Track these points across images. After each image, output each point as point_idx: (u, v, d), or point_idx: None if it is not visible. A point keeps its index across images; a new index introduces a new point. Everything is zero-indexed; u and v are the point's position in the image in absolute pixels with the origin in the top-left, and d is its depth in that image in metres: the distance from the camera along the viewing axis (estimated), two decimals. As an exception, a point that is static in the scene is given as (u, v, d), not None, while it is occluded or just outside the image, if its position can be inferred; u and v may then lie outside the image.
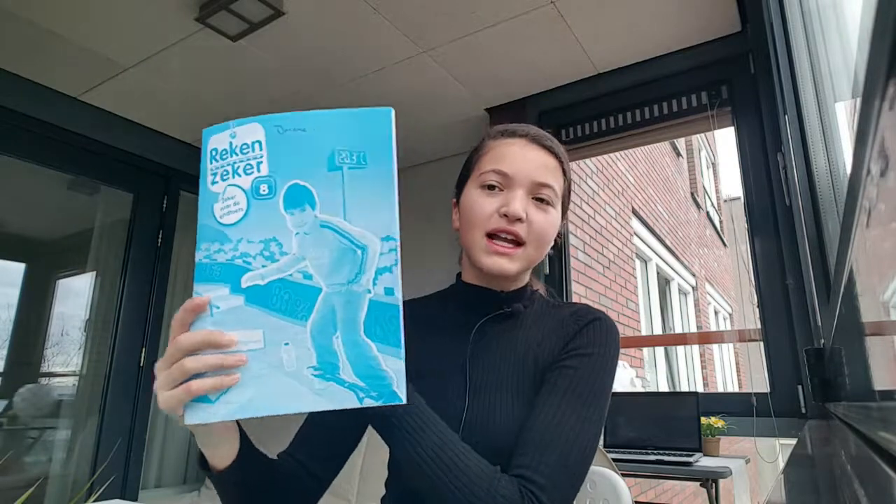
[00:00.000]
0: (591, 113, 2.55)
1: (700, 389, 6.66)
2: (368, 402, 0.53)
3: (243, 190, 0.57)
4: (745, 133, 2.16)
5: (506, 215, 0.79)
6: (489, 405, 0.76)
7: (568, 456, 0.68)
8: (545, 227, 0.82)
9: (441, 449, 0.65)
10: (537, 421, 0.71)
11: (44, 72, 2.46)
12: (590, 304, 3.38)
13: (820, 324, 1.49)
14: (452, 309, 0.89)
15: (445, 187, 3.51)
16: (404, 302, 0.86)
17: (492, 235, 0.80)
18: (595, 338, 0.79)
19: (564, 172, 0.87)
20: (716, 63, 2.26)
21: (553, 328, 0.83)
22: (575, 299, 3.10)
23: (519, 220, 0.79)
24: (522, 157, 0.83)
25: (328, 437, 0.82)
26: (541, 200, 0.82)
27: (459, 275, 0.92)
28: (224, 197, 0.56)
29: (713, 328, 7.98)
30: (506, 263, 0.80)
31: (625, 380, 2.20)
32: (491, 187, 0.82)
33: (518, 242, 0.80)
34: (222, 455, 0.65)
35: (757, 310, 2.03)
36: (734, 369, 8.73)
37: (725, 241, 9.41)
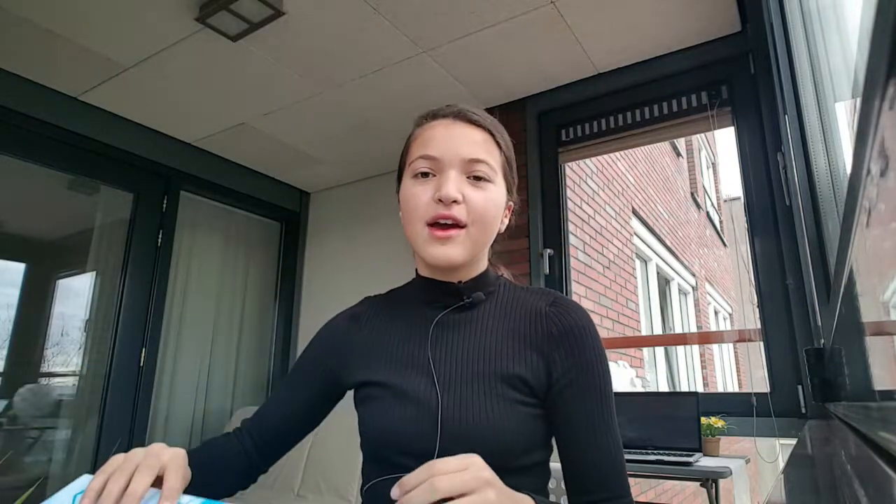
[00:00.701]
0: (591, 113, 2.55)
1: (700, 389, 6.66)
2: None
3: None
4: (745, 133, 2.16)
5: (440, 200, 0.74)
6: (459, 400, 0.73)
7: (624, 475, 0.74)
8: (485, 205, 0.77)
9: None
10: (587, 455, 0.73)
11: (44, 72, 2.47)
12: (590, 303, 3.36)
13: (820, 324, 1.49)
14: (411, 305, 0.86)
15: (445, 187, 3.46)
16: (365, 301, 0.90)
17: (433, 224, 0.76)
18: (588, 349, 0.76)
19: (499, 144, 0.82)
20: (716, 63, 2.26)
21: (524, 316, 0.79)
22: (575, 299, 3.10)
23: (455, 202, 0.75)
24: (448, 136, 0.79)
25: (286, 423, 0.86)
26: (477, 178, 0.78)
27: (416, 271, 0.88)
28: None
29: (713, 328, 7.98)
30: (450, 251, 0.75)
31: (625, 380, 2.20)
32: (424, 175, 0.78)
33: (458, 225, 0.76)
34: None
35: (757, 310, 2.03)
36: (734, 369, 8.73)
37: (725, 241, 9.41)
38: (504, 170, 0.83)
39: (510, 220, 0.88)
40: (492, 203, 0.78)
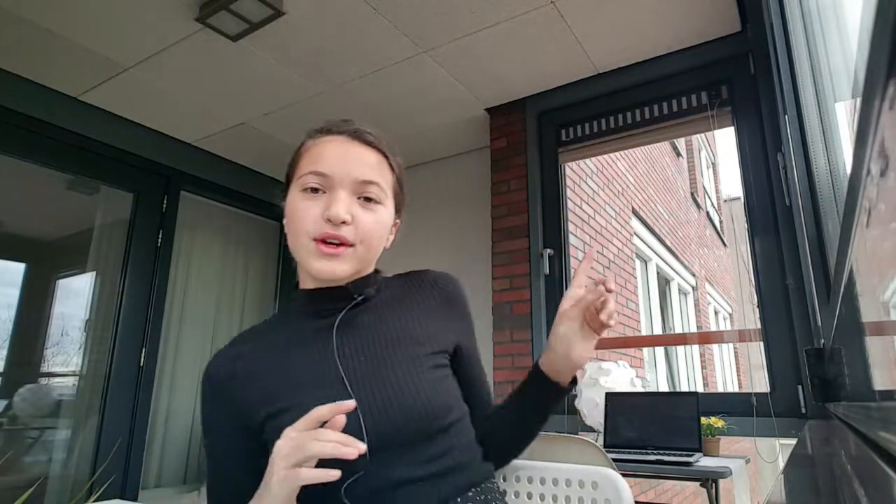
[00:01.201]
0: (591, 113, 2.55)
1: (700, 389, 6.66)
2: None
3: None
4: (745, 133, 2.16)
5: (329, 220, 0.75)
6: (378, 390, 0.75)
7: None
8: (373, 227, 0.79)
9: None
10: (484, 389, 0.92)
11: (44, 72, 2.47)
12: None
13: (820, 324, 1.49)
14: (300, 322, 0.83)
15: (446, 187, 3.51)
16: (237, 339, 0.85)
17: (320, 240, 0.77)
18: (469, 306, 0.92)
19: (391, 167, 0.84)
20: (716, 63, 2.26)
21: (416, 292, 0.88)
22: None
23: (344, 223, 0.76)
24: (342, 155, 0.78)
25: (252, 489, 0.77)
26: (367, 199, 0.79)
27: (296, 287, 0.87)
28: None
29: (713, 328, 7.98)
30: (336, 266, 0.76)
31: (625, 380, 2.20)
32: (313, 190, 0.77)
33: (347, 245, 0.77)
34: None
35: (757, 310, 2.03)
36: (734, 369, 8.73)
37: (725, 241, 9.41)
38: (394, 190, 0.85)
39: (395, 238, 0.90)
40: (380, 224, 0.81)
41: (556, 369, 0.83)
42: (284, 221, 0.81)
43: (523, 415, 0.88)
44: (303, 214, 0.77)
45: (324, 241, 0.76)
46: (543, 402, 0.86)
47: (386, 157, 0.83)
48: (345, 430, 0.70)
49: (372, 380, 0.76)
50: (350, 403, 0.64)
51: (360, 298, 0.83)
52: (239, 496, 0.77)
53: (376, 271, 0.90)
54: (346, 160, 0.78)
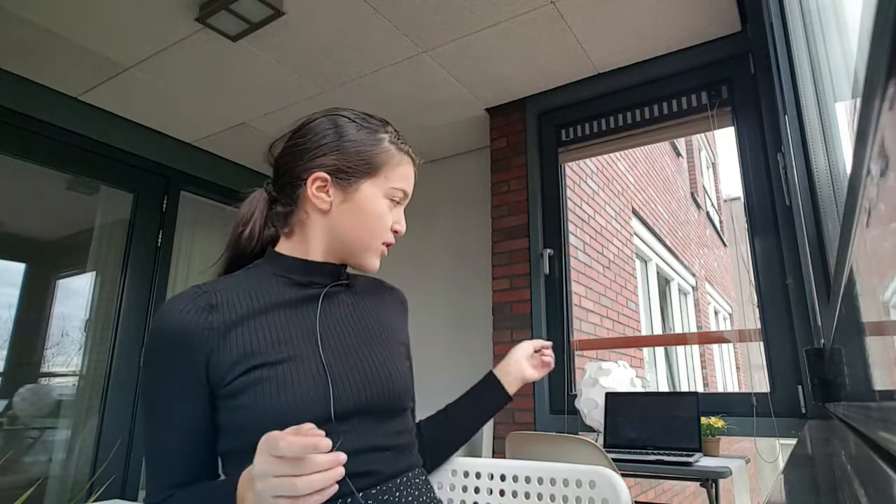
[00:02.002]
0: (591, 113, 2.55)
1: (700, 389, 6.66)
2: None
3: None
4: (745, 133, 2.16)
5: (396, 231, 0.92)
6: (364, 359, 0.84)
7: None
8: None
9: None
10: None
11: (44, 72, 2.47)
12: (590, 303, 3.35)
13: (820, 324, 1.49)
14: (286, 286, 0.85)
15: (446, 187, 3.51)
16: (206, 288, 0.84)
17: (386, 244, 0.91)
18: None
19: None
20: (716, 63, 2.26)
21: (381, 293, 1.00)
22: (575, 300, 3.11)
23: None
24: (412, 180, 0.94)
25: (199, 452, 0.78)
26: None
27: (273, 251, 0.89)
28: None
29: (713, 328, 7.98)
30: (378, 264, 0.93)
31: (625, 380, 2.20)
32: (394, 201, 0.91)
33: None
34: None
35: (757, 310, 2.03)
36: (734, 369, 8.73)
37: (725, 241, 9.41)
38: None
39: None
40: None
41: (508, 381, 1.05)
42: (320, 192, 0.86)
43: (470, 413, 1.04)
44: (383, 222, 0.89)
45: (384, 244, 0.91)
46: (491, 405, 1.04)
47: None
48: (321, 395, 0.77)
49: (354, 353, 0.84)
50: (326, 443, 0.58)
51: (345, 280, 0.93)
52: (186, 465, 0.76)
53: None
54: (412, 185, 0.95)
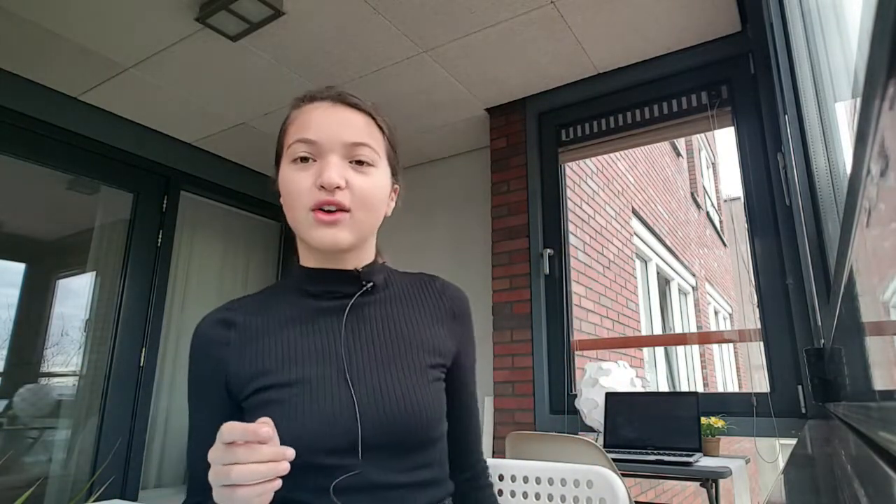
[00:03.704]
0: (591, 113, 2.55)
1: (700, 389, 6.66)
2: None
3: None
4: (745, 133, 2.16)
5: (323, 186, 0.72)
6: (382, 386, 0.73)
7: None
8: (370, 190, 0.76)
9: None
10: (472, 423, 0.87)
11: (44, 72, 2.47)
12: (590, 303, 3.34)
13: (820, 324, 1.49)
14: (297, 299, 0.80)
15: (446, 187, 3.50)
16: (230, 304, 0.82)
17: (317, 209, 0.74)
18: (472, 328, 0.88)
19: (381, 128, 0.81)
20: (716, 63, 2.26)
21: (424, 296, 0.85)
22: (575, 300, 3.11)
23: (338, 188, 0.73)
24: (328, 120, 0.76)
25: None
26: (360, 163, 0.76)
27: (298, 263, 0.83)
28: None
29: (713, 328, 7.98)
30: (337, 234, 0.74)
31: (625, 380, 2.20)
32: (303, 160, 0.75)
33: (343, 209, 0.74)
34: None
35: (757, 310, 2.03)
36: (734, 369, 8.73)
37: (725, 241, 9.41)
38: (388, 153, 0.82)
39: (396, 203, 0.87)
40: (377, 188, 0.78)
41: None
42: (281, 200, 0.78)
43: None
44: (296, 186, 0.74)
45: (321, 210, 0.73)
46: None
47: (373, 118, 0.81)
48: (345, 424, 0.70)
49: (376, 378, 0.74)
50: (265, 431, 0.56)
51: (369, 285, 0.80)
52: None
53: (381, 261, 0.87)
54: (334, 124, 0.76)
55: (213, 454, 0.56)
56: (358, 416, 0.70)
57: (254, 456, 0.54)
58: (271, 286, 0.87)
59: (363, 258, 0.81)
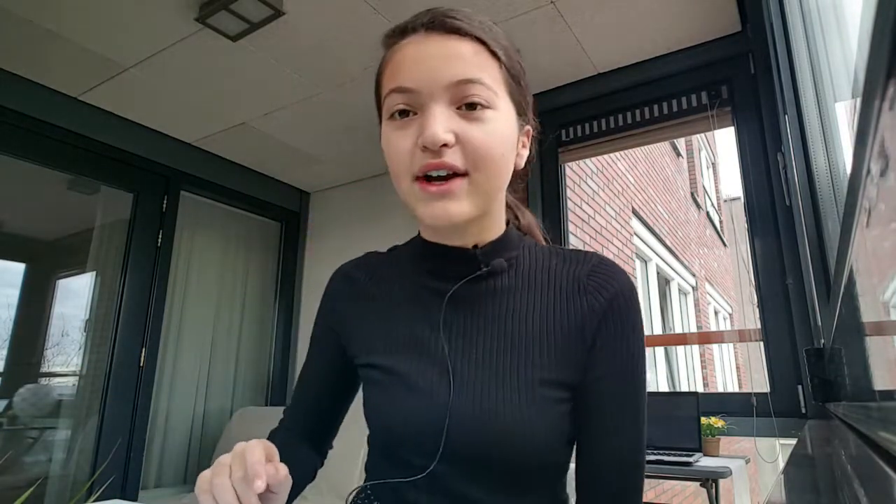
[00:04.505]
0: (591, 113, 2.55)
1: (700, 389, 6.66)
2: None
3: None
4: (745, 133, 2.16)
5: (426, 147, 0.58)
6: (479, 398, 0.61)
7: (642, 478, 0.67)
8: (487, 141, 0.60)
9: None
10: (616, 447, 0.64)
11: (44, 72, 2.46)
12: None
13: (820, 324, 1.49)
14: (413, 273, 0.71)
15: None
16: (367, 257, 0.79)
17: (424, 178, 0.60)
18: (631, 330, 0.64)
19: (495, 54, 0.62)
20: (716, 63, 2.26)
21: (558, 290, 0.65)
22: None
23: (445, 145, 0.58)
24: (423, 57, 0.60)
25: (322, 401, 0.80)
26: (471, 107, 0.59)
27: (419, 232, 0.73)
28: None
29: (713, 328, 7.98)
30: (452, 207, 0.59)
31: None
32: (402, 113, 0.60)
33: (457, 174, 0.59)
34: None
35: (757, 310, 2.03)
36: (734, 369, 8.73)
37: (725, 241, 9.41)
38: (508, 86, 0.64)
39: (531, 151, 0.72)
40: (497, 136, 0.61)
41: None
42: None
43: None
44: (395, 149, 0.60)
45: (427, 179, 0.59)
46: None
47: (484, 42, 0.61)
48: (433, 427, 0.61)
49: (479, 386, 0.62)
50: (259, 486, 0.48)
51: (483, 271, 0.65)
52: (313, 410, 0.79)
53: (522, 232, 0.72)
54: (431, 61, 0.59)
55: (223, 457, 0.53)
56: (447, 423, 0.61)
57: (227, 494, 0.49)
58: (402, 246, 0.77)
59: (488, 231, 0.67)
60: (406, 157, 0.60)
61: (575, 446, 0.67)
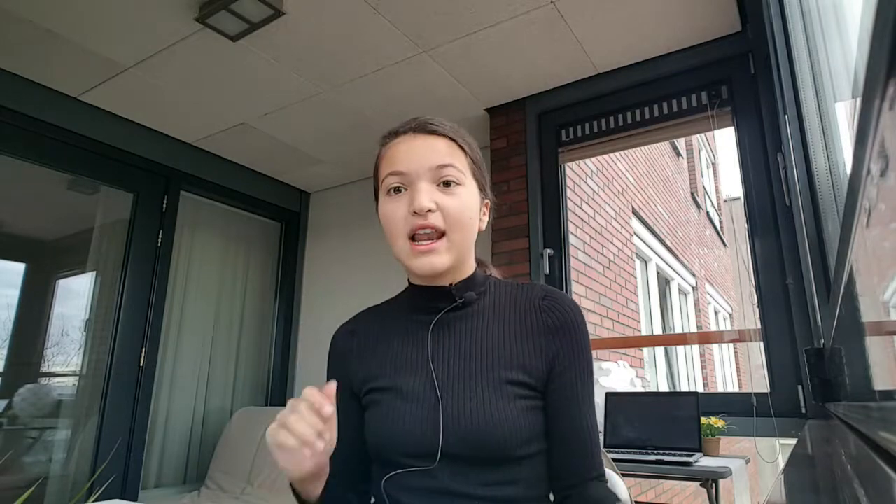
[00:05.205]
0: (591, 113, 2.55)
1: (700, 389, 6.66)
2: None
3: None
4: (745, 133, 2.16)
5: (416, 212, 0.78)
6: (460, 399, 0.77)
7: (600, 455, 0.83)
8: (459, 208, 0.81)
9: None
10: (579, 440, 0.80)
11: (44, 72, 2.47)
12: (589, 303, 3.34)
13: (820, 324, 1.49)
14: (405, 312, 0.90)
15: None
16: (360, 314, 0.94)
17: (414, 237, 0.80)
18: (582, 337, 0.83)
19: (462, 148, 0.85)
20: (716, 63, 2.26)
21: (519, 311, 0.84)
22: (575, 299, 3.10)
23: (429, 211, 0.78)
24: (412, 149, 0.82)
25: (357, 452, 0.87)
26: (447, 184, 0.81)
27: (409, 281, 0.91)
28: None
29: (713, 328, 7.98)
30: (434, 260, 0.79)
31: (625, 380, 2.20)
32: (396, 190, 0.81)
33: (439, 233, 0.80)
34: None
35: (757, 310, 2.03)
36: (734, 369, 8.73)
37: (725, 241, 9.41)
38: (472, 170, 0.86)
39: (490, 217, 0.92)
40: (466, 205, 0.82)
41: None
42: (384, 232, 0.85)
43: None
44: (392, 217, 0.81)
45: (415, 239, 0.79)
46: None
47: (454, 140, 0.85)
48: (425, 430, 0.77)
49: (458, 389, 0.78)
50: (331, 388, 0.68)
51: (459, 302, 0.84)
52: (346, 451, 0.86)
53: (486, 273, 0.91)
54: (418, 152, 0.81)
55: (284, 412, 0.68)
56: (441, 425, 0.76)
57: (301, 424, 0.65)
58: (393, 298, 0.96)
59: (461, 273, 0.86)
60: (401, 222, 0.80)
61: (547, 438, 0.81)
